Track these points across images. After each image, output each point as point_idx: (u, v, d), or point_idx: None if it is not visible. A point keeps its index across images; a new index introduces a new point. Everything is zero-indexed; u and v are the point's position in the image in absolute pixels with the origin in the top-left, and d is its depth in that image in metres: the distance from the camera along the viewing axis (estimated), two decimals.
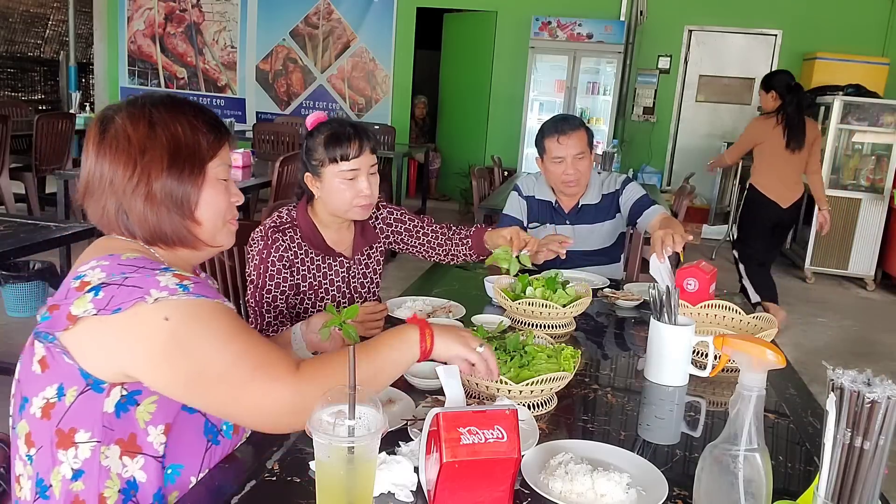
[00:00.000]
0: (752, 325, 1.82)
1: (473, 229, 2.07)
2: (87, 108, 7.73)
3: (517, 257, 1.86)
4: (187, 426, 1.05)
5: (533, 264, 2.16)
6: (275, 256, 1.81)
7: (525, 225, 2.61)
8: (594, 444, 1.19)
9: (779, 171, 4.37)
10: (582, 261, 2.50)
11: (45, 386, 0.98)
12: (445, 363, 1.19)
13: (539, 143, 2.54)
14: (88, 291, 0.96)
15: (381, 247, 2.04)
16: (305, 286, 1.88)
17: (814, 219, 4.70)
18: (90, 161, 1.06)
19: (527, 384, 1.28)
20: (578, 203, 2.58)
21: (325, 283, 1.91)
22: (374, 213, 2.02)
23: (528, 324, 1.82)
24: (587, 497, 1.02)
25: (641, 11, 7.42)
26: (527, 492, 1.04)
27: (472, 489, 0.95)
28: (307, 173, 1.85)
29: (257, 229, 1.86)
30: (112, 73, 8.75)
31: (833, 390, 0.82)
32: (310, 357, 1.32)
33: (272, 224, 1.85)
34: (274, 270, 1.81)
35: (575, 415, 1.38)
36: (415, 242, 2.07)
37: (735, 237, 4.79)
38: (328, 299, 1.91)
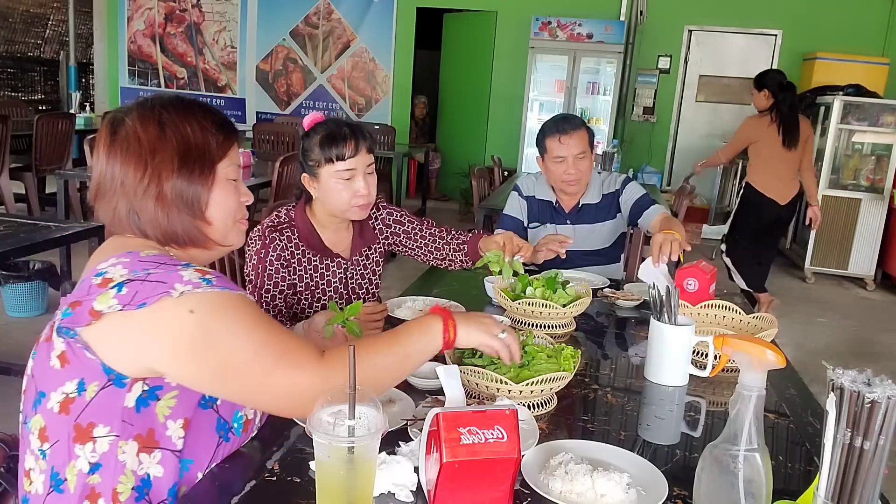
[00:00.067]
0: (752, 325, 1.82)
1: (471, 236, 2.06)
2: (87, 108, 7.72)
3: (509, 263, 1.83)
4: (202, 422, 1.06)
5: (533, 264, 2.16)
6: (273, 256, 1.81)
7: (525, 225, 2.61)
8: (594, 444, 1.19)
9: (775, 168, 4.42)
10: (582, 261, 2.50)
11: (64, 381, 0.98)
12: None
13: (540, 142, 2.54)
14: (112, 288, 0.96)
15: (380, 247, 2.04)
16: (302, 286, 1.88)
17: (805, 215, 4.76)
18: (101, 163, 1.08)
19: (527, 384, 1.28)
20: (579, 203, 2.58)
21: (323, 284, 1.91)
22: (373, 214, 2.02)
23: (528, 324, 1.82)
24: (587, 497, 1.02)
25: (641, 11, 7.42)
26: (527, 492, 1.04)
27: (472, 489, 0.95)
28: (304, 174, 1.85)
29: (255, 229, 1.85)
30: (112, 73, 8.75)
31: (833, 390, 0.82)
32: None
33: (270, 224, 1.85)
34: (272, 270, 1.81)
35: (575, 415, 1.38)
36: (412, 245, 2.06)
37: (727, 232, 4.82)
38: (325, 300, 1.91)
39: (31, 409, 1.02)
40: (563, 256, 2.10)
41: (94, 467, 0.99)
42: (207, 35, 8.48)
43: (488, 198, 4.56)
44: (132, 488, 1.01)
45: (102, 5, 8.66)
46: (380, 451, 0.98)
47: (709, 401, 1.51)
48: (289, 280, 1.85)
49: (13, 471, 1.21)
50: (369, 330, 1.64)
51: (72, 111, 7.18)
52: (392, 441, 1.11)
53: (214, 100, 8.46)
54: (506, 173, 5.99)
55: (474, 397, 1.36)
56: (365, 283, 2.00)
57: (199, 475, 1.07)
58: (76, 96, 7.82)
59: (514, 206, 2.63)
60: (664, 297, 1.56)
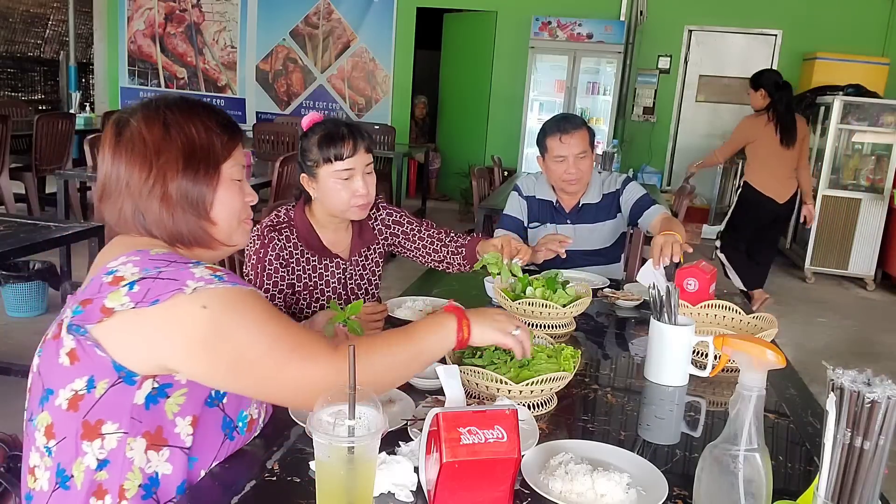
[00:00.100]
0: (752, 325, 1.82)
1: (469, 239, 2.04)
2: (87, 108, 7.72)
3: (508, 266, 1.82)
4: (209, 420, 1.07)
5: (533, 264, 2.15)
6: (272, 255, 1.82)
7: (525, 225, 2.61)
8: (594, 444, 1.19)
9: (773, 167, 4.45)
10: (582, 260, 2.51)
11: (73, 378, 0.99)
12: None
13: (541, 141, 2.54)
14: (123, 286, 0.97)
15: (379, 248, 2.03)
16: (300, 286, 1.88)
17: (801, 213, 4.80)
18: (106, 164, 1.08)
19: (527, 384, 1.28)
20: (579, 202, 2.58)
21: (321, 284, 1.91)
22: (373, 214, 2.02)
23: (528, 324, 1.82)
24: (587, 497, 1.02)
25: (641, 11, 7.42)
26: (527, 492, 1.04)
27: (472, 489, 0.95)
28: (303, 174, 1.85)
29: (254, 228, 1.85)
30: (112, 73, 8.75)
31: (833, 390, 0.82)
32: None
33: (269, 223, 1.85)
34: (271, 269, 1.81)
35: (575, 415, 1.38)
36: (410, 246, 2.05)
37: (723, 230, 4.84)
38: (324, 300, 1.91)
39: (38, 406, 1.02)
40: (564, 256, 2.09)
41: (102, 464, 1.00)
42: (207, 35, 8.48)
43: (488, 198, 4.57)
44: (139, 485, 1.02)
45: (102, 5, 8.66)
46: (380, 451, 0.98)
47: (709, 401, 1.51)
48: (287, 280, 1.85)
49: (13, 470, 1.21)
50: (370, 330, 1.64)
51: (72, 111, 7.18)
52: (392, 441, 1.11)
53: (214, 100, 8.46)
54: (506, 173, 5.99)
55: (474, 397, 1.36)
56: (364, 284, 2.00)
57: (202, 473, 1.07)
58: (76, 96, 7.82)
59: (514, 206, 2.63)
60: (664, 297, 1.56)
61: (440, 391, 1.23)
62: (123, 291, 0.97)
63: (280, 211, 1.91)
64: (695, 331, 1.54)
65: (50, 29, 10.23)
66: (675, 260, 1.94)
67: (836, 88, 6.08)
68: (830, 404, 0.83)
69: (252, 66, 8.44)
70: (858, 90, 5.99)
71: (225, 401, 1.09)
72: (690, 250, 2.02)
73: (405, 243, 2.05)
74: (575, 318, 1.90)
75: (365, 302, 1.94)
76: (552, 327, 1.82)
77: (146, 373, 0.99)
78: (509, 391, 1.28)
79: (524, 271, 2.06)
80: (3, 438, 1.24)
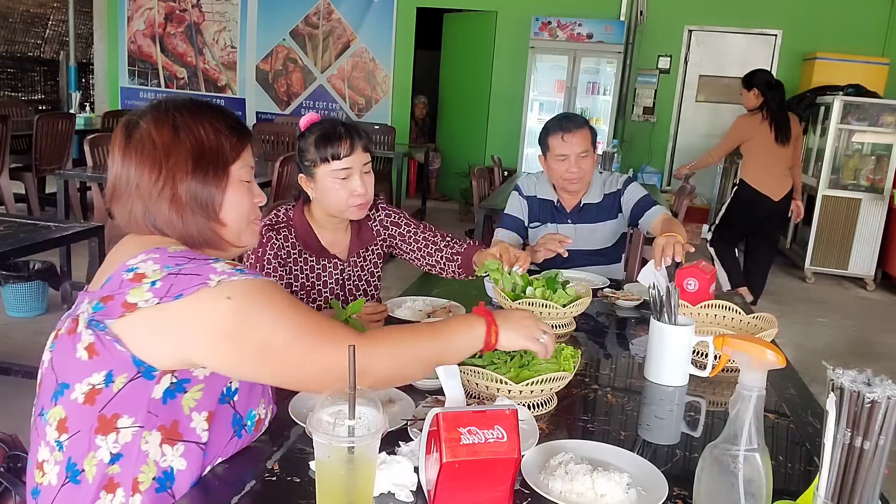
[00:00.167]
0: (752, 325, 1.82)
1: (465, 247, 2.03)
2: (87, 108, 7.72)
3: (509, 274, 1.81)
4: (221, 416, 1.08)
5: (533, 263, 2.15)
6: (270, 254, 1.82)
7: (526, 224, 2.61)
8: (594, 444, 1.19)
9: (768, 165, 4.51)
10: (583, 260, 2.51)
11: (91, 372, 0.99)
12: None
13: (543, 140, 2.54)
14: (146, 282, 0.98)
15: (377, 249, 2.03)
16: (298, 286, 1.88)
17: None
18: (116, 165, 1.09)
19: (527, 384, 1.28)
20: (580, 202, 2.58)
21: (319, 285, 1.90)
22: (372, 215, 2.01)
23: (523, 271, 1.83)
24: (587, 497, 1.02)
25: (641, 11, 7.42)
26: (527, 492, 1.04)
27: (472, 489, 0.95)
28: (301, 174, 1.85)
29: None
30: (112, 73, 8.75)
31: (833, 390, 0.82)
32: None
33: (267, 222, 1.85)
34: (269, 269, 1.81)
35: (575, 415, 1.38)
36: (406, 248, 2.04)
37: (716, 225, 4.87)
38: (321, 301, 1.90)
39: (50, 400, 1.02)
40: (565, 255, 2.10)
41: (115, 457, 1.00)
42: (207, 35, 8.48)
43: (488, 198, 4.57)
44: (153, 478, 1.02)
45: (102, 5, 8.66)
46: (380, 451, 0.98)
47: (709, 401, 1.51)
48: (285, 280, 1.85)
49: (13, 470, 1.21)
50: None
51: (72, 111, 7.18)
52: (392, 441, 1.11)
53: (214, 100, 8.45)
54: (506, 173, 6.00)
55: (474, 397, 1.36)
56: (362, 285, 1.99)
57: (208, 468, 1.08)
58: (76, 96, 7.81)
59: (515, 206, 2.63)
60: (664, 297, 1.56)
61: (440, 391, 1.23)
62: (146, 287, 0.98)
63: (279, 211, 1.90)
64: (695, 331, 1.54)
65: (50, 29, 10.23)
66: (678, 259, 1.94)
67: (836, 88, 6.08)
68: (830, 404, 0.83)
69: (252, 66, 8.44)
70: (858, 90, 5.99)
71: (236, 398, 1.10)
72: (693, 250, 2.02)
73: (401, 245, 2.04)
74: (575, 318, 1.90)
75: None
76: (552, 327, 1.81)
77: (167, 367, 1.00)
78: (509, 391, 1.28)
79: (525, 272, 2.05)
80: (3, 438, 1.24)
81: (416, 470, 1.05)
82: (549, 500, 1.02)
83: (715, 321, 1.85)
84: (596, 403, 1.44)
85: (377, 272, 2.04)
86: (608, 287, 2.27)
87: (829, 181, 5.84)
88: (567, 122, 2.49)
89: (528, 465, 1.09)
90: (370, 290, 2.01)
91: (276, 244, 1.83)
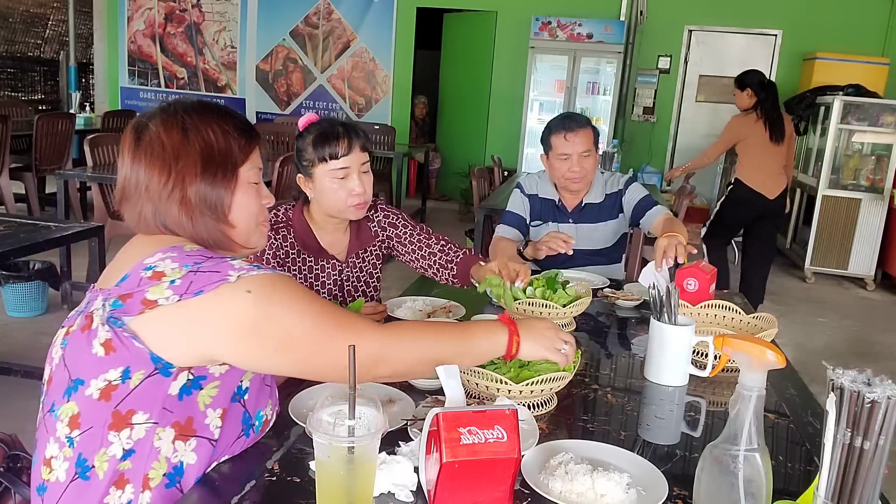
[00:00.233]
0: (752, 325, 1.82)
1: (461, 256, 1.99)
2: (87, 108, 7.72)
3: (511, 291, 1.77)
4: (233, 414, 1.09)
5: (534, 260, 2.15)
6: (268, 254, 1.82)
7: (528, 222, 2.61)
8: (594, 444, 1.19)
9: (763, 164, 4.56)
10: (583, 260, 2.51)
11: (107, 368, 1.00)
12: None
13: (545, 139, 2.54)
14: (165, 279, 1.00)
15: (376, 250, 2.02)
16: None
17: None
18: (125, 167, 1.10)
19: (527, 384, 1.28)
20: (581, 202, 2.58)
21: (317, 286, 1.90)
22: (371, 215, 2.01)
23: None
24: (587, 497, 1.02)
25: (641, 11, 7.42)
26: (527, 492, 1.04)
27: (472, 489, 0.95)
28: (299, 174, 1.85)
29: None
30: (112, 73, 8.75)
31: (833, 390, 0.82)
32: None
33: None
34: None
35: (575, 415, 1.38)
36: (403, 250, 2.03)
37: (710, 222, 4.90)
38: None
39: (62, 397, 1.02)
40: (570, 253, 2.11)
41: (128, 453, 1.01)
42: (207, 35, 8.48)
43: (488, 198, 4.56)
44: (163, 474, 1.03)
45: (102, 5, 8.66)
46: (380, 451, 0.98)
47: (709, 401, 1.51)
48: None
49: (13, 470, 1.21)
50: None
51: (72, 111, 7.18)
52: (392, 441, 1.11)
53: (214, 100, 8.46)
54: (506, 173, 5.99)
55: (474, 397, 1.36)
56: (361, 286, 1.99)
57: (213, 465, 1.09)
58: (76, 96, 7.82)
59: (517, 203, 2.63)
60: (664, 297, 1.56)
61: (440, 391, 1.23)
62: (165, 285, 0.99)
63: (278, 211, 1.90)
64: (695, 331, 1.54)
65: (50, 29, 10.23)
66: (680, 261, 1.94)
67: (836, 88, 6.08)
68: (830, 404, 0.83)
69: (252, 66, 8.44)
70: (858, 90, 5.99)
71: (247, 397, 1.10)
72: (695, 251, 2.02)
73: (398, 247, 2.03)
74: (575, 318, 1.90)
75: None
76: None
77: (185, 364, 1.01)
78: (509, 391, 1.28)
79: None
80: (3, 438, 1.24)
81: (416, 470, 1.05)
82: (549, 500, 1.02)
83: (715, 321, 1.85)
84: (596, 403, 1.44)
85: (376, 273, 2.03)
86: (608, 287, 2.27)
87: (829, 181, 5.84)
88: (570, 122, 2.49)
89: (528, 465, 1.09)
90: (369, 291, 2.01)
91: (274, 244, 1.83)
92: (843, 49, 6.81)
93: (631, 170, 7.01)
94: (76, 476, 1.01)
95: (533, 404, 1.34)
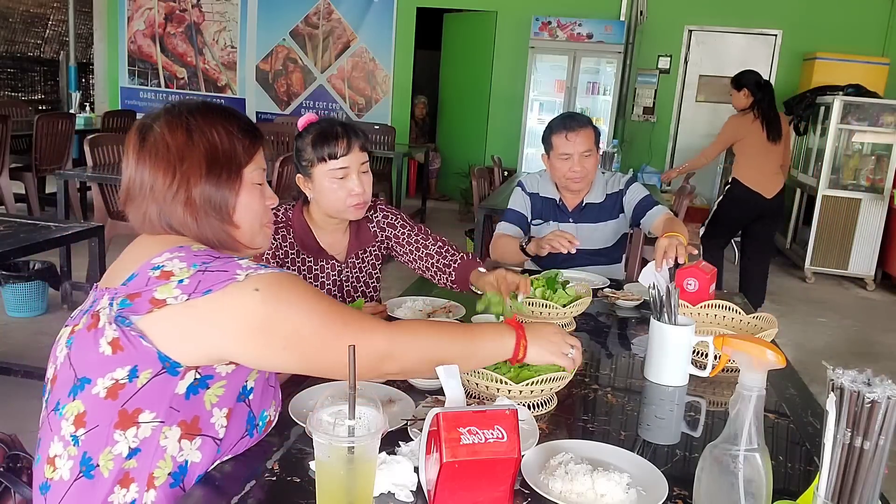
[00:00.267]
0: (752, 325, 1.82)
1: (458, 261, 1.96)
2: (87, 108, 7.72)
3: (511, 307, 1.73)
4: (238, 414, 1.09)
5: (534, 261, 2.15)
6: (268, 254, 1.82)
7: (529, 220, 2.61)
8: (594, 444, 1.19)
9: (760, 164, 4.58)
10: (584, 260, 2.51)
11: (115, 367, 1.00)
12: None
13: (546, 139, 2.54)
14: (173, 279, 1.00)
15: (375, 250, 2.02)
16: None
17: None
18: (130, 168, 1.11)
19: (527, 384, 1.28)
20: (582, 201, 2.58)
21: (316, 286, 1.90)
22: (371, 215, 2.00)
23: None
24: (587, 497, 1.02)
25: (641, 11, 7.42)
26: (527, 492, 1.04)
27: (472, 489, 0.95)
28: (298, 175, 1.85)
29: None
30: (112, 73, 8.75)
31: (833, 390, 0.82)
32: None
33: None
34: None
35: (575, 415, 1.38)
36: (401, 251, 2.01)
37: (707, 222, 4.92)
38: None
39: (67, 395, 1.02)
40: (574, 251, 2.11)
41: (133, 452, 1.01)
42: (207, 35, 8.48)
43: (488, 198, 4.56)
44: (168, 473, 1.03)
45: (102, 5, 8.66)
46: (380, 451, 0.98)
47: (709, 401, 1.51)
48: None
49: (13, 470, 1.21)
50: None
51: (72, 111, 7.18)
52: (392, 441, 1.11)
53: (214, 100, 8.45)
54: (506, 173, 5.99)
55: (474, 397, 1.36)
56: (360, 286, 1.99)
57: (216, 463, 1.09)
58: (76, 96, 7.82)
59: (519, 201, 2.63)
60: (664, 297, 1.56)
61: (440, 391, 1.23)
62: (174, 284, 1.00)
63: (278, 211, 1.90)
64: (695, 331, 1.54)
65: (50, 29, 10.23)
66: (681, 261, 1.94)
67: (836, 88, 6.08)
68: (830, 404, 0.83)
69: (252, 66, 8.44)
70: (858, 90, 5.99)
71: (252, 397, 1.11)
72: (696, 252, 2.02)
73: (397, 247, 2.02)
74: (575, 318, 1.90)
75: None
76: None
77: (193, 363, 1.02)
78: (509, 391, 1.28)
79: (525, 271, 2.05)
80: (3, 438, 1.24)
81: (416, 470, 1.05)
82: (549, 500, 1.02)
83: (715, 321, 1.85)
84: (596, 403, 1.44)
85: (375, 273, 2.03)
86: (608, 287, 2.27)
87: (829, 181, 5.84)
88: (571, 121, 2.49)
89: (528, 465, 1.09)
90: (368, 292, 2.01)
91: (274, 244, 1.83)
92: (843, 49, 6.81)
93: (631, 170, 7.01)
94: (80, 475, 1.01)
95: (533, 404, 1.34)
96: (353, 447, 0.87)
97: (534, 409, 1.34)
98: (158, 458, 1.02)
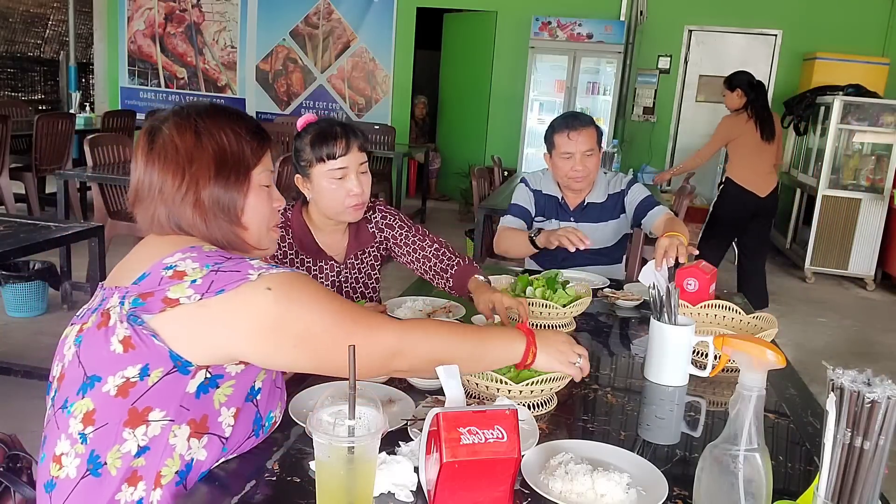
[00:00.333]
0: (752, 325, 1.82)
1: (456, 267, 1.93)
2: (87, 108, 7.72)
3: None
4: (246, 414, 1.10)
5: (535, 260, 2.15)
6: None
7: (533, 216, 2.61)
8: (594, 444, 1.19)
9: (754, 163, 4.60)
10: (585, 260, 2.51)
11: (126, 365, 1.00)
12: None
13: (548, 138, 2.54)
14: (186, 279, 1.01)
15: (374, 251, 2.01)
16: None
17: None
18: (139, 170, 1.12)
19: (527, 384, 1.28)
20: (584, 201, 2.58)
21: None
22: (370, 216, 1.99)
23: (529, 324, 1.82)
24: (587, 497, 1.02)
25: (641, 11, 7.42)
26: (527, 492, 1.04)
27: (472, 489, 0.95)
28: (297, 175, 1.84)
29: None
30: (112, 73, 8.75)
31: (833, 390, 0.82)
32: None
33: None
34: None
35: (575, 415, 1.38)
36: (399, 252, 2.00)
37: (705, 223, 4.93)
38: None
39: (76, 393, 1.03)
40: (582, 247, 2.11)
41: (142, 450, 1.01)
42: (207, 35, 8.48)
43: (488, 198, 4.56)
44: (175, 472, 1.03)
45: (102, 5, 8.66)
46: (380, 451, 0.98)
47: (709, 401, 1.51)
48: None
49: (13, 469, 1.21)
50: None
51: (72, 111, 7.18)
52: (392, 441, 1.11)
53: (214, 100, 8.46)
54: (506, 173, 5.99)
55: (474, 397, 1.36)
56: (360, 287, 1.99)
57: (220, 461, 1.09)
58: (76, 96, 7.82)
59: (523, 197, 2.63)
60: (664, 297, 1.56)
61: (440, 391, 1.23)
62: (186, 284, 1.00)
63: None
64: (695, 331, 1.54)
65: (50, 29, 10.24)
66: (681, 260, 1.94)
67: (836, 88, 6.08)
68: (830, 404, 0.83)
69: (252, 66, 8.44)
70: (858, 90, 5.99)
71: (259, 398, 1.11)
72: (696, 252, 2.02)
73: (395, 248, 2.01)
74: (575, 318, 1.90)
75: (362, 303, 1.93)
76: (552, 327, 1.82)
77: (204, 363, 1.03)
78: (509, 391, 1.28)
79: (525, 272, 2.05)
80: (3, 438, 1.24)
81: (416, 470, 1.05)
82: (549, 500, 1.02)
83: (715, 321, 1.85)
84: (596, 403, 1.44)
85: (374, 274, 2.03)
86: (608, 287, 2.27)
87: (829, 181, 5.84)
88: (573, 121, 2.49)
89: (528, 465, 1.09)
90: (367, 293, 2.01)
91: None
92: (843, 49, 6.81)
93: (631, 170, 7.01)
94: (87, 473, 1.01)
95: (533, 404, 1.34)
96: (353, 447, 0.87)
97: (534, 409, 1.33)
98: (167, 456, 1.02)
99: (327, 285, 1.91)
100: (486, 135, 8.06)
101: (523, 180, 2.69)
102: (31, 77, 10.09)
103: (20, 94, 9.85)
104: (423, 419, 1.05)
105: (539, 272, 2.10)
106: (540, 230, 2.38)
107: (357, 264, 1.97)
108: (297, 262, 1.87)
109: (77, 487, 1.01)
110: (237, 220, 1.13)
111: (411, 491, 1.02)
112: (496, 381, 1.29)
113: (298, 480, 1.06)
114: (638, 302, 2.12)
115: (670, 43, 7.53)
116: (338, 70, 8.29)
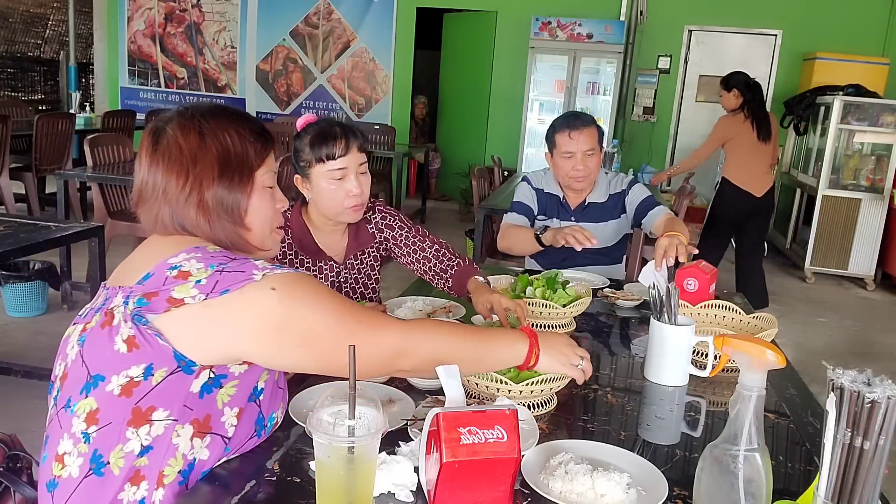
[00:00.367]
0: (752, 325, 1.82)
1: (455, 268, 1.92)
2: (87, 108, 7.72)
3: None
4: (248, 414, 1.10)
5: (534, 259, 2.14)
6: None
7: (535, 214, 2.61)
8: (594, 444, 1.19)
9: (750, 163, 4.62)
10: (585, 259, 2.51)
11: (130, 365, 1.01)
12: None
13: (550, 137, 2.54)
14: (191, 279, 1.01)
15: (373, 251, 2.01)
16: None
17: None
18: (143, 171, 1.12)
19: (527, 384, 1.28)
20: (585, 200, 2.58)
21: None
22: (369, 216, 1.99)
23: (528, 324, 1.82)
24: (587, 497, 1.02)
25: (641, 11, 7.42)
26: (527, 492, 1.04)
27: (472, 489, 0.95)
28: (297, 175, 1.84)
29: None
30: (112, 73, 8.75)
31: (833, 390, 0.82)
32: None
33: None
34: None
35: (575, 415, 1.38)
36: (398, 252, 2.00)
37: (704, 223, 4.94)
38: None
39: (79, 393, 1.03)
40: (578, 249, 2.12)
41: (145, 450, 1.01)
42: (207, 35, 8.48)
43: (488, 198, 4.56)
44: (178, 471, 1.03)
45: (102, 5, 8.66)
46: (380, 451, 0.98)
47: (709, 401, 1.51)
48: None
49: (13, 469, 1.21)
50: None
51: (72, 111, 7.18)
52: (392, 441, 1.11)
53: (214, 100, 8.46)
54: (506, 173, 5.99)
55: (474, 397, 1.36)
56: (359, 288, 1.98)
57: (221, 461, 1.09)
58: (76, 96, 7.81)
59: (525, 194, 2.63)
60: (664, 297, 1.56)
61: (440, 391, 1.23)
62: (191, 284, 1.01)
63: None
64: (695, 331, 1.54)
65: (50, 29, 10.23)
66: (681, 260, 1.94)
67: (836, 88, 6.08)
68: (830, 404, 0.83)
69: (252, 66, 8.44)
70: (858, 90, 5.99)
71: (262, 398, 1.12)
72: (696, 251, 2.02)
73: (395, 249, 2.01)
74: (575, 318, 1.90)
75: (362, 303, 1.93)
76: (552, 327, 1.82)
77: (208, 362, 1.03)
78: (509, 391, 1.28)
79: (525, 272, 2.04)
80: (3, 438, 1.24)
81: (416, 470, 1.05)
82: (549, 500, 1.02)
83: (715, 321, 1.85)
84: (596, 403, 1.44)
85: (374, 274, 2.03)
86: (608, 287, 2.27)
87: (829, 181, 5.84)
88: (574, 120, 2.49)
89: (528, 465, 1.09)
90: (367, 293, 2.00)
91: None
92: (843, 49, 6.81)
93: (631, 170, 7.01)
94: (90, 472, 1.01)
95: (533, 404, 1.34)
96: (353, 447, 0.87)
97: (534, 409, 1.33)
98: (170, 455, 1.02)
99: (327, 285, 1.91)
100: (486, 135, 8.06)
101: (525, 178, 2.69)
102: (31, 77, 10.09)
103: (20, 94, 9.85)
104: (423, 419, 1.05)
105: (539, 272, 2.10)
106: (546, 228, 2.38)
107: (357, 265, 1.97)
108: (296, 263, 1.87)
109: (80, 487, 1.01)
110: (240, 221, 1.13)
111: (411, 491, 1.02)
112: (496, 381, 1.29)
113: (298, 480, 1.06)
114: (638, 302, 2.12)
115: (670, 43, 7.53)
116: (338, 70, 8.29)
